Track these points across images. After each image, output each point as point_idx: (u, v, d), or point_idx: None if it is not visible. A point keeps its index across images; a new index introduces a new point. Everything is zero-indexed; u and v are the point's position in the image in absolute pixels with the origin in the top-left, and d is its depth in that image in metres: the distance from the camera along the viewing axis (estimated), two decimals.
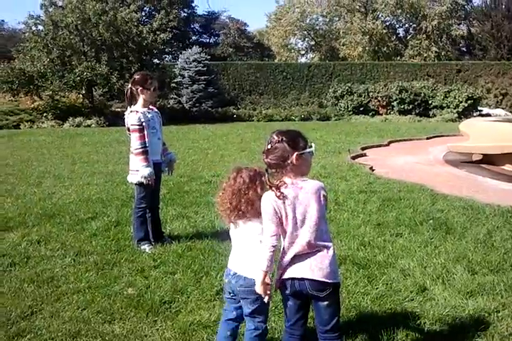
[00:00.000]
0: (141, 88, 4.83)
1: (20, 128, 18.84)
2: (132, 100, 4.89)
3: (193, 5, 43.12)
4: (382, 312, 3.55)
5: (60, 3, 21.24)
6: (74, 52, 20.37)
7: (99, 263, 4.53)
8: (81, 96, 21.94)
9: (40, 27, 20.88)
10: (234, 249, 2.99)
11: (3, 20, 47.11)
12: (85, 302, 3.76)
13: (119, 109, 21.68)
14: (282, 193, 2.57)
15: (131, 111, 4.82)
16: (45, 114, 20.28)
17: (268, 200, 2.60)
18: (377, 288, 3.93)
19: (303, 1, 38.81)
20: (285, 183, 2.60)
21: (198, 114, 22.61)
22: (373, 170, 9.31)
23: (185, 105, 24.04)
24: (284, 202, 2.58)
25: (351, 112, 23.26)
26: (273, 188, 2.58)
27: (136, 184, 4.92)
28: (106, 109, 21.80)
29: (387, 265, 4.43)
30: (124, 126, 4.95)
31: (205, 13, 45.39)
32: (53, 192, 7.45)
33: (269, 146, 2.62)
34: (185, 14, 42.16)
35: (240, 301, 2.90)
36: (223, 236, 5.23)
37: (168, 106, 23.57)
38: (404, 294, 3.82)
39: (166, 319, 3.52)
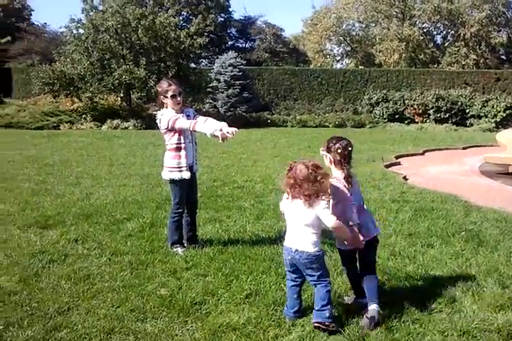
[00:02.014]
0: (161, 96, 4.96)
1: (60, 129, 19.39)
2: (163, 106, 5.04)
3: (230, 10, 43.63)
4: (410, 323, 3.56)
5: (100, 8, 21.79)
6: (113, 55, 20.85)
7: (134, 263, 4.67)
8: (119, 99, 22.45)
9: (81, 30, 21.48)
10: (291, 229, 3.58)
11: (45, 23, 48.45)
12: (119, 301, 3.88)
13: (155, 112, 22.01)
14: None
15: (162, 114, 4.92)
16: (84, 116, 20.82)
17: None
18: (406, 298, 3.93)
19: (339, 7, 38.75)
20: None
21: (233, 119, 22.77)
22: (407, 179, 9.26)
23: (220, 109, 24.31)
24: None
25: (386, 119, 23.13)
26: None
27: (169, 182, 5.04)
28: (143, 112, 22.23)
29: (417, 275, 4.43)
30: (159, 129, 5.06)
31: (242, 18, 45.80)
32: (91, 193, 7.67)
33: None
34: (222, 19, 42.68)
35: (300, 271, 3.57)
36: (254, 241, 5.34)
37: (204, 110, 23.86)
38: (433, 305, 3.83)
39: (196, 320, 3.61)
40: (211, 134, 4.68)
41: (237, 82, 24.52)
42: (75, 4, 51.43)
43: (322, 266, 3.58)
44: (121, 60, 20.75)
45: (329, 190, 3.54)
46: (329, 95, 26.65)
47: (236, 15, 46.03)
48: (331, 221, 3.44)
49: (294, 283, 3.67)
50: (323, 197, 3.47)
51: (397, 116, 23.12)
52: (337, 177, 3.69)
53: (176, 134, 4.90)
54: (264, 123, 22.61)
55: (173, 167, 4.96)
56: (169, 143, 4.97)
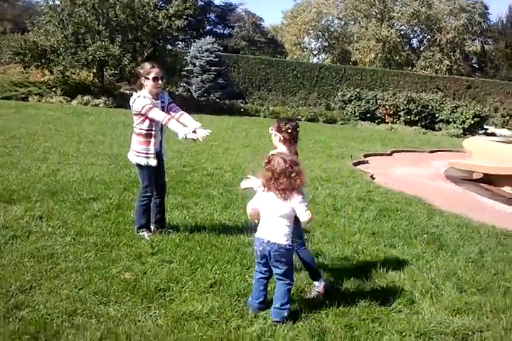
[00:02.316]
0: (143, 78, 4.89)
1: (28, 101, 18.86)
2: (141, 88, 4.96)
3: None
4: (370, 321, 3.65)
5: None
6: (88, 30, 20.33)
7: (99, 244, 4.63)
8: (91, 74, 21.94)
9: (57, 2, 20.84)
10: (264, 220, 3.62)
11: None
12: (83, 282, 3.85)
13: (127, 91, 21.70)
14: None
15: (138, 96, 4.85)
16: (54, 89, 20.28)
17: None
18: (366, 297, 4.02)
19: (320, 2, 38.81)
20: None
21: (206, 104, 22.63)
22: (374, 179, 9.41)
23: (193, 94, 24.09)
24: None
25: (358, 118, 23.35)
26: None
27: (137, 166, 5.02)
28: (115, 90, 21.83)
29: (378, 275, 4.53)
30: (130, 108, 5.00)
31: (222, 4, 45.36)
32: (57, 169, 7.52)
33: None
34: (202, 3, 42.09)
35: (269, 264, 3.61)
36: (221, 229, 5.35)
37: (177, 93, 23.60)
38: (393, 305, 3.92)
39: (159, 306, 3.61)
40: (183, 137, 4.72)
41: (212, 68, 24.30)
42: None
43: (290, 262, 3.63)
44: (97, 36, 20.26)
45: (301, 188, 3.59)
46: (303, 89, 26.75)
47: (217, 1, 45.56)
48: (306, 216, 3.51)
49: (263, 275, 3.71)
50: (297, 192, 3.52)
51: (368, 115, 23.36)
52: (285, 152, 3.84)
53: (147, 120, 4.86)
54: (237, 112, 22.54)
55: (140, 152, 4.94)
56: (139, 127, 4.91)
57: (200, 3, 40.63)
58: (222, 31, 45.84)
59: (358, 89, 24.33)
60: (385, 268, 4.67)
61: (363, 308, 3.83)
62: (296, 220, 3.67)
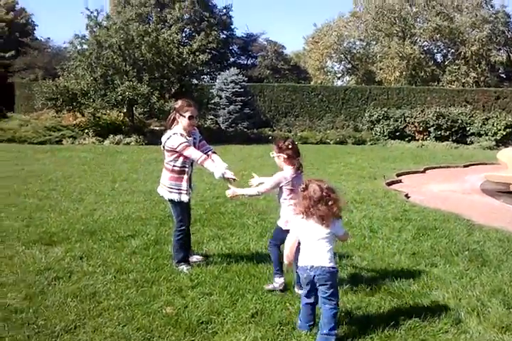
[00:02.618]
0: (178, 114, 5.02)
1: (62, 144, 19.46)
2: (172, 124, 5.09)
3: (233, 27, 44.10)
4: None
5: (104, 24, 22.03)
6: (116, 71, 21.02)
7: (139, 281, 4.69)
8: (122, 114, 22.54)
9: (85, 46, 21.66)
10: (306, 247, 3.69)
11: (48, 38, 48.83)
12: (126, 319, 3.89)
13: (157, 128, 22.19)
14: None
15: (174, 133, 4.98)
16: (86, 131, 20.91)
17: None
18: (411, 318, 3.95)
19: (341, 25, 39.17)
20: None
21: (234, 135, 22.92)
22: (408, 198, 9.29)
23: (221, 125, 24.45)
24: None
25: (387, 137, 23.23)
26: None
27: (170, 201, 5.11)
28: (145, 128, 22.35)
29: (422, 295, 4.45)
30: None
31: (244, 35, 46.26)
32: (94, 209, 7.70)
33: None
34: (224, 36, 43.07)
35: (314, 290, 3.68)
36: (258, 259, 5.36)
37: (205, 126, 23.98)
38: (439, 326, 3.83)
39: (203, 339, 3.62)
40: (220, 177, 4.89)
41: (238, 99, 24.69)
42: (79, 20, 51.92)
43: (334, 284, 3.66)
44: (125, 76, 20.91)
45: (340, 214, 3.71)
46: (330, 112, 26.81)
47: (238, 33, 46.45)
48: (346, 236, 3.87)
49: (309, 300, 3.77)
50: (336, 217, 3.65)
51: (397, 134, 23.23)
52: (288, 175, 4.49)
53: (182, 157, 4.99)
54: (265, 140, 22.70)
55: (172, 188, 5.05)
56: (172, 164, 5.03)
57: (222, 36, 41.65)
58: (245, 62, 46.65)
59: (385, 109, 24.28)
60: (428, 288, 4.59)
61: (408, 330, 3.75)
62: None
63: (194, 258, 5.35)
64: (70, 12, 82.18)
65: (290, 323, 3.87)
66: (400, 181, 11.57)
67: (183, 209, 5.13)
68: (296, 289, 4.49)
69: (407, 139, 23.02)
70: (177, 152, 4.95)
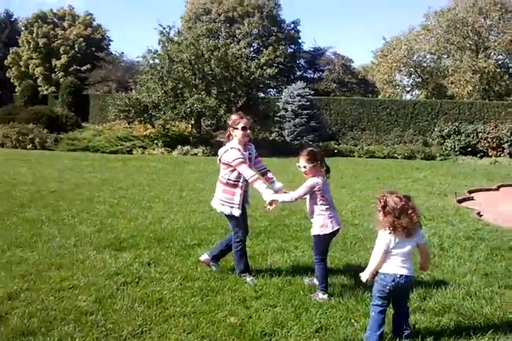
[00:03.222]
0: (231, 128, 5.12)
1: (132, 154, 20.13)
2: (229, 139, 5.19)
3: (300, 41, 44.32)
4: None
5: (176, 39, 22.71)
6: (186, 84, 21.57)
7: (204, 289, 4.73)
8: (190, 126, 23.08)
9: (157, 61, 22.40)
10: (394, 258, 3.72)
11: (122, 53, 50.82)
12: (190, 327, 3.93)
13: (224, 140, 22.50)
14: None
15: (231, 148, 5.03)
16: (156, 141, 21.54)
17: None
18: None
19: (411, 38, 38.45)
20: None
21: (299, 147, 22.78)
22: (481, 216, 8.91)
23: (286, 138, 24.49)
24: None
25: (458, 152, 22.44)
26: None
27: (227, 215, 5.14)
28: (212, 139, 22.75)
29: (495, 318, 4.23)
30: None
31: (311, 49, 46.33)
32: (162, 217, 7.88)
33: None
34: (292, 50, 43.37)
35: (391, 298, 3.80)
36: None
37: (271, 138, 24.13)
38: None
39: None
40: (267, 199, 4.80)
41: (304, 112, 24.67)
42: (153, 36, 53.80)
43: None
44: (194, 89, 21.42)
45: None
46: (398, 126, 26.27)
47: (306, 47, 46.61)
48: (426, 246, 3.96)
49: (383, 308, 3.78)
50: (417, 227, 3.71)
51: (469, 149, 22.39)
52: (319, 180, 4.69)
53: (236, 171, 5.01)
54: (331, 153, 22.50)
55: (225, 201, 5.08)
56: (227, 177, 5.07)
57: (289, 50, 41.96)
58: (312, 75, 46.67)
59: (456, 124, 23.51)
60: (502, 311, 4.36)
61: None
62: None
63: (213, 267, 5.37)
64: (143, 28, 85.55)
65: (355, 339, 3.78)
66: (472, 198, 11.12)
67: (238, 222, 5.14)
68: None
69: (479, 155, 22.13)
70: (232, 166, 4.99)
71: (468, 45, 36.49)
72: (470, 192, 11.81)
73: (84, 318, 4.01)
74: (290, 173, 14.79)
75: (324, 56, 46.66)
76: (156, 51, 22.53)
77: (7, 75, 42.57)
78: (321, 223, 4.76)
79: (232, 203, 5.05)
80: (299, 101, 24.86)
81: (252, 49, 38.04)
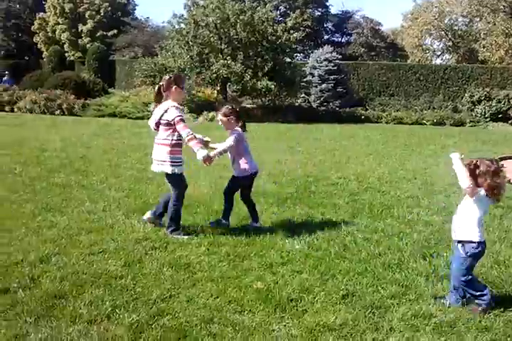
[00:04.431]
0: (174, 86, 5.16)
1: None
2: (161, 97, 5.24)
3: (328, 4, 43.21)
4: None
5: (201, 3, 22.31)
6: (212, 50, 21.32)
7: (231, 254, 4.78)
8: (215, 91, 22.91)
9: (183, 25, 22.12)
10: (483, 222, 3.95)
11: (148, 17, 50.53)
12: (218, 291, 3.99)
13: (249, 106, 22.37)
14: None
15: (172, 106, 5.11)
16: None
17: None
18: (511, 311, 3.73)
19: (442, 1, 37.15)
20: None
21: (325, 114, 22.59)
22: (511, 184, 8.72)
23: (312, 104, 24.21)
24: None
25: (488, 119, 21.91)
26: None
27: (173, 175, 5.23)
28: (237, 105, 22.57)
29: None
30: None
31: (339, 13, 45.23)
32: (190, 183, 7.87)
33: None
34: (319, 13, 42.39)
35: None
36: (349, 240, 5.27)
37: (297, 104, 23.85)
38: None
39: (292, 316, 3.63)
40: (200, 159, 5.18)
41: (331, 77, 24.28)
42: (178, 0, 53.10)
43: None
44: (220, 55, 21.17)
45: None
46: (427, 92, 25.69)
47: (333, 10, 45.58)
48: None
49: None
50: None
51: (500, 116, 21.83)
52: (240, 132, 5.52)
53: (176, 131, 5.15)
54: (358, 119, 22.18)
55: (175, 161, 5.21)
56: (171, 138, 5.17)
57: (317, 13, 41.00)
58: (339, 39, 45.76)
59: (487, 89, 22.87)
60: None
61: (507, 323, 3.56)
62: None
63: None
64: None
65: (382, 306, 3.79)
66: (502, 166, 10.88)
67: (182, 179, 5.34)
68: None
69: (510, 122, 21.58)
70: (173, 125, 5.07)
71: (502, 7, 35.04)
72: (501, 159, 11.53)
73: (114, 282, 4.10)
74: (317, 140, 14.69)
75: (352, 19, 45.56)
76: (182, 15, 22.23)
77: (34, 41, 42.66)
78: (241, 167, 5.58)
79: (180, 162, 5.24)
80: (326, 66, 24.44)
81: (278, 12, 37.20)
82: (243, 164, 5.59)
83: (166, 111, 5.14)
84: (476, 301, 3.80)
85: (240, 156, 5.58)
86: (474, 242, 3.76)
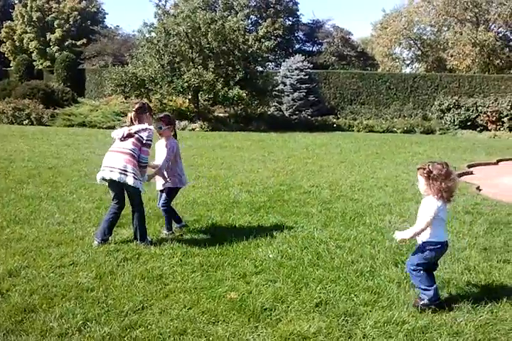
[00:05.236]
0: (149, 113, 5.55)
1: None
2: (134, 122, 5.44)
3: (298, 13, 43.64)
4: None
5: (172, 12, 22.31)
6: (183, 58, 21.32)
7: (204, 265, 4.74)
8: (187, 100, 22.87)
9: (154, 34, 22.07)
10: (443, 224, 4.08)
11: (118, 26, 50.15)
12: (191, 302, 3.95)
13: (221, 115, 22.37)
14: None
15: (151, 129, 5.41)
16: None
17: None
18: (481, 316, 3.79)
19: (411, 10, 37.86)
20: None
21: (298, 122, 22.77)
22: (480, 190, 8.91)
23: (285, 113, 24.35)
24: None
25: (457, 126, 22.39)
26: None
27: (131, 187, 5.35)
28: (209, 114, 22.58)
29: (493, 292, 4.26)
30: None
31: (310, 22, 45.67)
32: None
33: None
34: (290, 23, 42.74)
35: None
36: (322, 248, 5.29)
37: (269, 113, 23.96)
38: (511, 324, 3.66)
39: (266, 326, 3.62)
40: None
41: (303, 86, 24.48)
42: (148, 8, 52.91)
43: None
44: (191, 63, 21.17)
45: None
46: (397, 100, 26.11)
47: (304, 19, 45.95)
48: None
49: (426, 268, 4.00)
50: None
51: (469, 123, 22.32)
52: (176, 142, 5.93)
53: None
54: (330, 128, 22.43)
55: (135, 173, 5.34)
56: (138, 154, 5.34)
57: (288, 23, 41.34)
58: (311, 49, 46.13)
59: (456, 97, 23.37)
60: (500, 285, 4.39)
61: (477, 328, 3.61)
62: None
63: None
64: (139, 0, 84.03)
65: (355, 314, 3.81)
66: (471, 173, 11.12)
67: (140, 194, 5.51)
68: None
69: (478, 129, 22.08)
70: (144, 145, 5.30)
71: (468, 17, 35.94)
72: (469, 166, 11.80)
73: (85, 294, 4.02)
74: (289, 148, 14.76)
75: (323, 29, 46.02)
76: (152, 24, 22.19)
77: (1, 50, 41.97)
78: (174, 179, 5.87)
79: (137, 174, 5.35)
80: (298, 75, 24.65)
81: (249, 21, 37.41)
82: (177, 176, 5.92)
83: (144, 130, 5.32)
84: (420, 295, 3.97)
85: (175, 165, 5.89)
86: (430, 241, 3.95)
